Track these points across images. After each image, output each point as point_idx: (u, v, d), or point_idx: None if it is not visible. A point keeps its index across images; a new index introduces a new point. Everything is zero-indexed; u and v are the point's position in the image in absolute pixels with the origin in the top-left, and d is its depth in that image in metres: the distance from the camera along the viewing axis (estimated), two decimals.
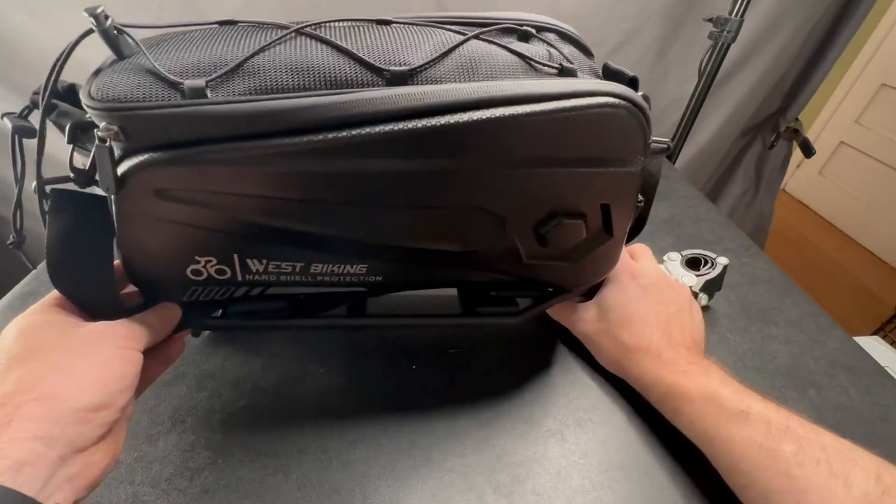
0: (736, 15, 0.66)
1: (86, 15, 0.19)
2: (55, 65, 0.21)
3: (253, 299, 0.30)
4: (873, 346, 0.96)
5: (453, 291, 0.35)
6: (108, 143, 0.20)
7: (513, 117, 0.22)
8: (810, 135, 1.16)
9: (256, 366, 0.35)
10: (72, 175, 0.23)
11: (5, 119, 0.22)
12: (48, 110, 0.22)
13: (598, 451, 0.31)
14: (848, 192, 1.86)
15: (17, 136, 0.22)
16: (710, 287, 0.40)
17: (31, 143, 0.22)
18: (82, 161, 0.23)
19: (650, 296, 0.34)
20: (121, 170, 0.20)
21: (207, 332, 0.37)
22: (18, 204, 0.24)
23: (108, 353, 0.22)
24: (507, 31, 0.26)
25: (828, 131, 1.92)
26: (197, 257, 0.26)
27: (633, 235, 0.34)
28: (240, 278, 0.27)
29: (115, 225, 0.23)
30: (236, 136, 0.21)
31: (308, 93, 0.21)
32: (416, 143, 0.22)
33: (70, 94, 0.23)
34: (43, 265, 0.43)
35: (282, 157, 0.21)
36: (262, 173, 0.22)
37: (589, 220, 0.28)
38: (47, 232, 0.22)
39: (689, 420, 0.28)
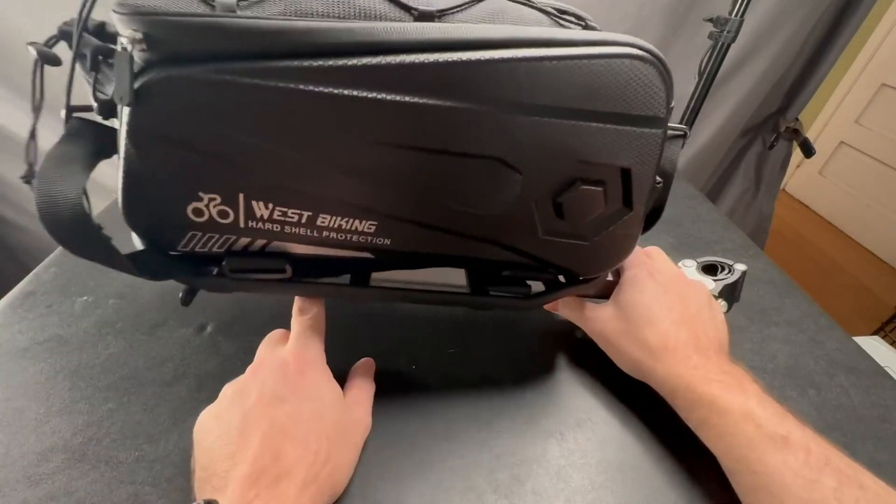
0: (736, 15, 0.66)
1: None
2: None
3: (252, 255, 0.28)
4: (873, 346, 0.96)
5: (461, 276, 0.34)
6: (129, 50, 0.19)
7: (537, 59, 0.22)
8: (810, 135, 1.16)
9: None
10: (94, 105, 0.22)
11: (30, 47, 0.22)
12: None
13: (598, 451, 0.31)
14: (848, 192, 1.86)
15: (40, 64, 0.22)
16: (729, 293, 0.38)
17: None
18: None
19: (671, 294, 0.32)
20: (139, 82, 0.20)
21: (207, 330, 0.37)
22: (33, 135, 0.24)
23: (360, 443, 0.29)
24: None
25: (828, 131, 1.92)
26: (201, 193, 0.24)
27: (649, 225, 0.33)
28: (242, 224, 0.26)
29: (122, 147, 0.23)
30: (262, 54, 0.20)
31: (337, 19, 0.22)
32: (439, 79, 0.22)
33: (100, 32, 0.24)
34: (43, 265, 0.43)
35: (305, 80, 0.21)
36: (281, 98, 0.22)
37: (608, 188, 0.27)
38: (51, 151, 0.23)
39: (718, 433, 0.27)
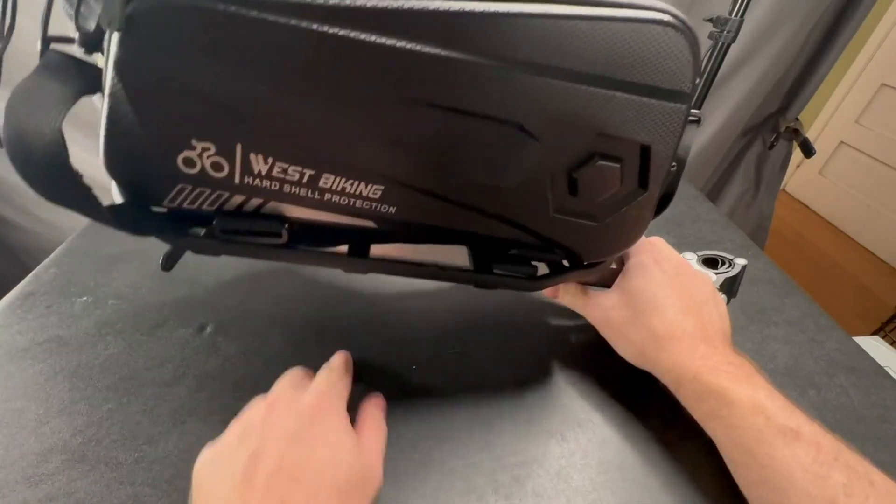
0: (736, 15, 0.66)
1: None
2: None
3: (245, 216, 0.25)
4: (873, 346, 0.96)
5: (464, 257, 0.33)
6: None
7: (567, 17, 0.21)
8: (810, 135, 1.16)
9: (257, 367, 0.35)
10: (76, 35, 0.20)
11: None
12: None
13: (599, 452, 0.31)
14: (848, 192, 1.86)
15: None
16: (729, 287, 0.38)
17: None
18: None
19: (677, 282, 0.32)
20: (131, 6, 0.18)
21: (207, 330, 0.37)
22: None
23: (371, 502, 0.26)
24: None
25: (828, 131, 1.93)
26: (194, 141, 0.22)
27: (658, 212, 0.33)
28: (237, 180, 0.23)
29: (107, 83, 0.20)
30: None
31: None
32: (462, 29, 0.21)
33: None
34: (43, 265, 0.43)
35: (317, 19, 0.19)
36: (289, 36, 0.20)
37: (626, 166, 0.26)
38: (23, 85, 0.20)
39: (726, 425, 0.27)
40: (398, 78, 0.22)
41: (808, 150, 0.94)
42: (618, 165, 0.26)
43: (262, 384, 0.34)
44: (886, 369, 0.38)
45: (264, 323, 0.38)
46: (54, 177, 0.20)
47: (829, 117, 1.90)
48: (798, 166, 2.04)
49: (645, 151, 0.26)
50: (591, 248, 0.31)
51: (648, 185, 0.27)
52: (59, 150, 0.19)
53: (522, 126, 0.24)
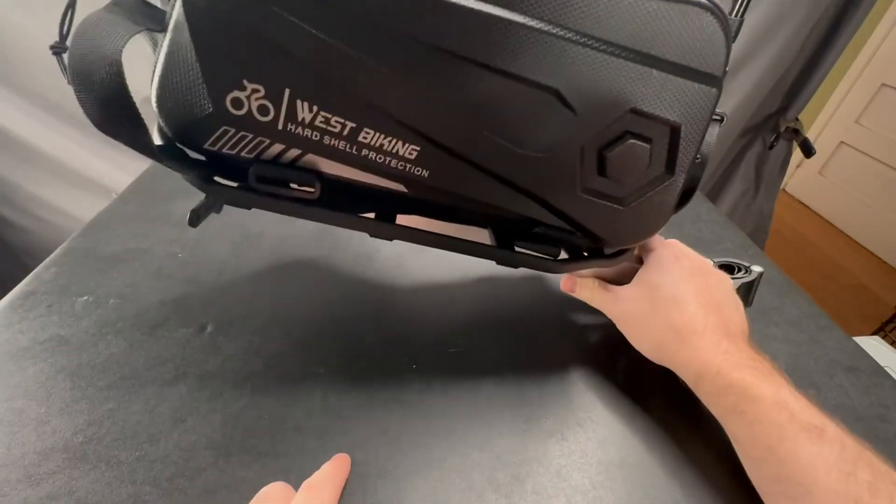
0: (736, 15, 0.66)
1: None
2: None
3: (282, 165, 0.26)
4: (873, 346, 0.96)
5: (485, 238, 0.33)
6: None
7: None
8: (810, 135, 1.16)
9: (257, 366, 0.35)
10: None
11: None
12: None
13: (598, 451, 0.31)
14: (848, 192, 1.86)
15: None
16: (745, 294, 0.38)
17: None
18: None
19: (697, 278, 0.32)
20: None
21: (208, 329, 0.37)
22: (72, 3, 0.23)
23: None
24: None
25: (828, 131, 1.93)
26: (245, 81, 0.23)
27: (679, 207, 0.33)
28: (280, 126, 0.24)
29: (173, 19, 0.22)
30: None
31: None
32: None
33: None
34: (43, 265, 0.43)
35: None
36: None
37: (655, 147, 0.27)
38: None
39: (748, 420, 0.26)
40: (448, 34, 0.23)
41: (808, 150, 0.94)
42: (648, 146, 0.27)
43: (261, 383, 0.34)
44: (886, 369, 0.38)
45: (264, 323, 0.38)
46: (110, 101, 0.21)
47: (829, 117, 1.90)
48: (798, 166, 2.04)
49: (675, 134, 0.27)
50: (613, 232, 0.31)
51: (675, 171, 0.28)
52: (119, 72, 0.20)
53: (560, 93, 0.25)
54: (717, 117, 0.29)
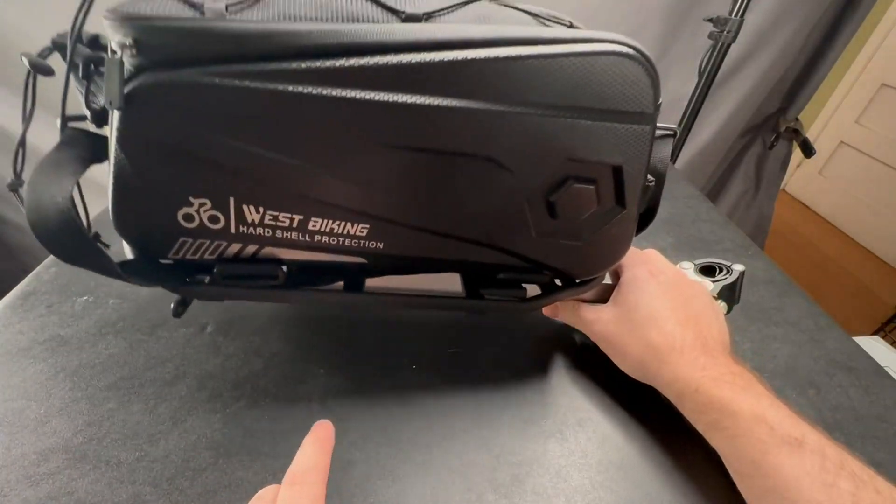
0: (736, 15, 0.66)
1: None
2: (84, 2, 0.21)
3: (244, 261, 0.28)
4: (873, 346, 0.96)
5: (457, 282, 0.34)
6: (120, 55, 0.20)
7: (524, 58, 0.23)
8: (810, 135, 1.16)
9: (257, 366, 0.35)
10: (87, 113, 0.23)
11: (23, 58, 0.23)
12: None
13: (598, 451, 0.31)
14: (848, 192, 1.86)
15: (33, 74, 0.23)
16: (728, 294, 0.38)
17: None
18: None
19: (673, 293, 0.32)
20: (129, 87, 0.21)
21: (208, 329, 0.37)
22: (22, 143, 0.24)
23: None
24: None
25: (828, 131, 1.92)
26: (191, 198, 0.24)
27: (643, 225, 0.33)
28: (233, 230, 0.26)
29: (112, 153, 0.23)
30: (250, 56, 0.21)
31: (326, 23, 0.22)
32: (427, 78, 0.22)
33: (93, 44, 0.24)
34: (43, 265, 0.43)
35: (293, 82, 0.21)
36: (270, 100, 0.22)
37: (600, 186, 0.27)
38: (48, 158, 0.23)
39: (730, 436, 0.26)
40: (372, 127, 0.23)
41: (808, 150, 0.94)
42: (592, 187, 0.27)
43: (261, 384, 0.34)
44: (886, 369, 0.38)
45: (264, 323, 0.38)
46: (67, 238, 0.22)
47: (829, 117, 1.90)
48: (798, 166, 2.04)
49: (617, 171, 0.27)
50: (578, 266, 0.32)
51: (626, 203, 0.28)
52: (70, 215, 0.22)
53: (494, 159, 0.25)
54: (669, 132, 0.29)
